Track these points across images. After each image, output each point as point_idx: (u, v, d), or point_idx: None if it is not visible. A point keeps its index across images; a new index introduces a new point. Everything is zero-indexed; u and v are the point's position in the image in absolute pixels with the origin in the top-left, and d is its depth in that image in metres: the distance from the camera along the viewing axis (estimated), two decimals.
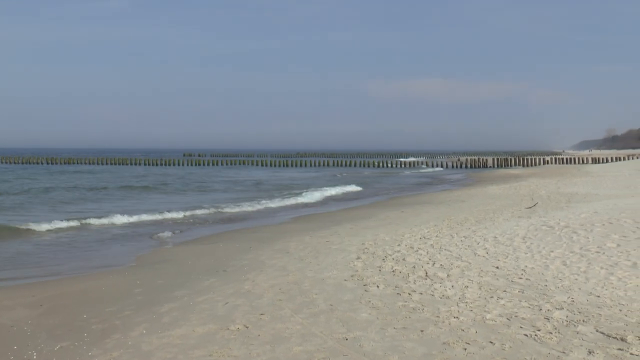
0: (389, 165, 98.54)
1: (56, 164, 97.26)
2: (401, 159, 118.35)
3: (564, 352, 7.08)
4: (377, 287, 10.62)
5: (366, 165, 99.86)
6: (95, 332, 9.09)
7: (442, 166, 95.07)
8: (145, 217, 25.02)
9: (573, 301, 9.14)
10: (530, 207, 22.29)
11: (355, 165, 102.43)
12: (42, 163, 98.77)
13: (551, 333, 7.76)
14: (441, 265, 12.21)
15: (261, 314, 9.30)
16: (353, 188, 44.52)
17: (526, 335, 7.73)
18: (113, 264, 15.09)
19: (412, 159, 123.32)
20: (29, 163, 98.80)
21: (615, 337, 7.49)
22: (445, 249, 13.96)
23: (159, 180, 55.71)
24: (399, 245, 14.95)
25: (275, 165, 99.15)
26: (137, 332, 8.88)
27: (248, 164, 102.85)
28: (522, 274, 11.03)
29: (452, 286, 10.38)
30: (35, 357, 8.11)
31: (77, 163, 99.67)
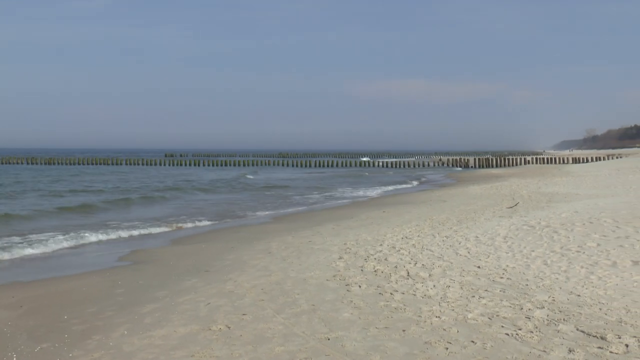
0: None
1: (36, 164, 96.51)
2: (395, 160, 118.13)
3: (544, 351, 7.13)
4: (359, 287, 10.64)
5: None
6: (76, 333, 9.03)
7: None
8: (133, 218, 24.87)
9: (554, 300, 9.21)
10: (511, 207, 22.40)
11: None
12: (21, 163, 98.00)
13: (532, 332, 7.81)
14: (423, 265, 12.25)
15: (243, 314, 9.28)
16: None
17: (507, 334, 7.78)
18: (94, 265, 14.99)
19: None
20: (9, 163, 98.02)
21: (595, 336, 7.56)
22: (427, 249, 14.01)
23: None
24: (381, 245, 14.98)
25: (261, 165, 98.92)
26: (118, 333, 8.84)
27: (231, 165, 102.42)
28: (503, 274, 11.09)
29: (434, 286, 10.42)
30: (15, 358, 8.04)
31: (59, 164, 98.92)
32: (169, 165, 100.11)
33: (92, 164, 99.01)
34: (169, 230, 21.45)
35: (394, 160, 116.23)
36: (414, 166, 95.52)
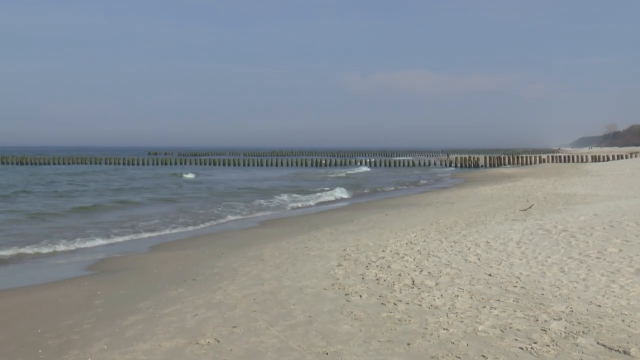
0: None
1: (8, 163, 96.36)
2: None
3: None
4: (360, 296, 10.63)
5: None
6: (50, 348, 9.01)
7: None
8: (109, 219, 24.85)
9: (572, 311, 9.20)
10: (525, 210, 22.43)
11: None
12: None
13: (548, 345, 7.80)
14: (429, 272, 12.24)
15: (234, 327, 9.27)
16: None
17: (521, 348, 7.77)
18: (70, 273, 14.97)
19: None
20: None
21: (618, 350, 7.55)
22: (433, 255, 14.01)
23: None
24: (383, 251, 14.98)
25: (252, 165, 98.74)
26: (97, 348, 8.82)
27: (220, 165, 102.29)
28: (516, 282, 11.09)
29: (441, 295, 10.42)
30: None
31: (32, 163, 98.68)
32: (154, 164, 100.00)
33: (71, 163, 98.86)
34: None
35: (396, 159, 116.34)
36: (419, 165, 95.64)
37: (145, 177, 61.79)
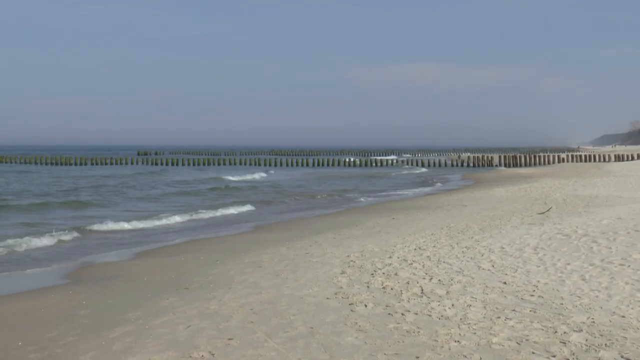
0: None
1: None
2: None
3: None
4: (365, 306, 10.62)
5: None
6: None
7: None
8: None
9: (593, 322, 9.19)
10: (542, 213, 22.41)
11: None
12: None
13: (568, 359, 7.79)
14: (439, 280, 12.23)
15: (229, 339, 9.27)
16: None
17: None
18: (52, 280, 14.95)
19: None
20: None
21: None
22: (444, 262, 13.99)
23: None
24: (390, 257, 14.97)
25: (254, 165, 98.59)
26: None
27: (215, 164, 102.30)
28: (533, 291, 11.07)
29: (453, 305, 10.40)
30: None
31: (12, 162, 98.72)
32: (143, 164, 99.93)
33: (53, 163, 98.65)
34: None
35: (405, 158, 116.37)
36: (429, 165, 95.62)
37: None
